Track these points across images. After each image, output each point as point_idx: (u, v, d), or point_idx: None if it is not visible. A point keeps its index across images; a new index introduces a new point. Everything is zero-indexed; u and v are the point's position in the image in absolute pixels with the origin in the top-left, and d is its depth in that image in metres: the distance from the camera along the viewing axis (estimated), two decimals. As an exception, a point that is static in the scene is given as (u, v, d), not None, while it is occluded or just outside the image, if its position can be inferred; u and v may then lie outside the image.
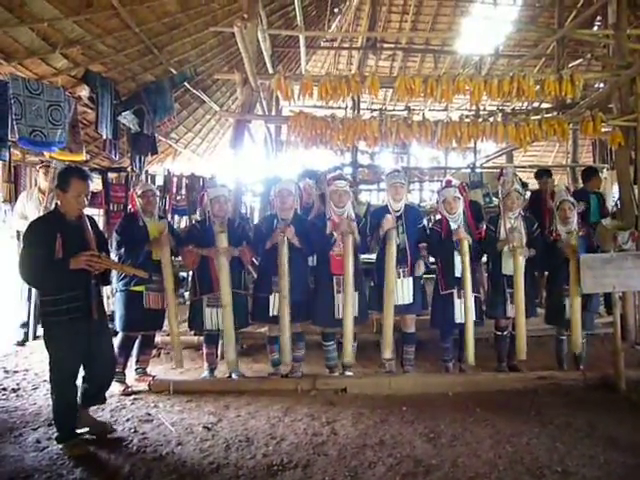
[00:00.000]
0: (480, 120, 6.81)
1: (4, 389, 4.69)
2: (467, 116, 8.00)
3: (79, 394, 3.75)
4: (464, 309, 4.72)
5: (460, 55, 14.25)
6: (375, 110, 12.48)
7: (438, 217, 5.30)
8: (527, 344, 4.74)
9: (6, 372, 5.13)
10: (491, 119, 6.86)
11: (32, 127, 5.95)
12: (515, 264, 4.72)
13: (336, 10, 13.44)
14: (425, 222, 5.47)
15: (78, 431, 3.69)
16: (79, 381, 3.76)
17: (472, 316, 4.72)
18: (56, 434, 3.62)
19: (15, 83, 5.81)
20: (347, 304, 4.51)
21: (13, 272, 6.33)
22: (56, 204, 3.69)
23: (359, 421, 4.02)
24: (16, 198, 6.67)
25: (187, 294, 7.59)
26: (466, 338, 4.71)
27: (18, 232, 6.21)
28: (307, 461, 3.41)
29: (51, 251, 3.39)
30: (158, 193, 5.13)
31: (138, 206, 4.79)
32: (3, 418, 4.08)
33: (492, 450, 3.55)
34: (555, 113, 7.63)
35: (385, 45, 14.25)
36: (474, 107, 10.88)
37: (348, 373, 4.91)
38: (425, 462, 3.39)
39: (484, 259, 5.41)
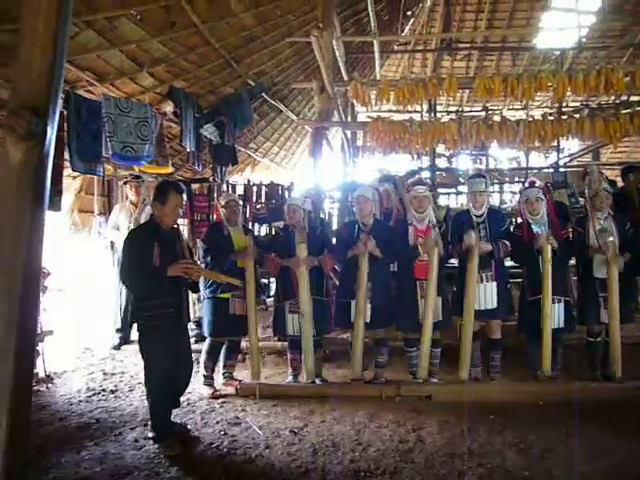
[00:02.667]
0: (565, 117, 6.54)
1: (103, 390, 4.97)
2: (550, 114, 7.70)
3: None
4: (544, 317, 4.53)
5: (540, 51, 13.75)
6: (452, 112, 12.28)
7: (519, 220, 5.12)
8: (624, 352, 4.48)
9: (105, 374, 5.43)
10: (577, 115, 6.58)
11: (123, 143, 6.28)
12: (610, 275, 4.48)
13: (409, 13, 13.35)
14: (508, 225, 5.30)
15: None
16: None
17: (552, 325, 4.54)
18: (152, 434, 3.79)
19: (107, 103, 6.16)
20: (427, 316, 4.45)
21: (107, 280, 6.76)
22: (152, 215, 3.90)
23: (446, 429, 3.95)
24: (109, 211, 7.09)
25: (269, 300, 7.77)
26: (544, 347, 4.53)
27: (112, 242, 6.58)
28: (394, 468, 3.39)
29: (149, 259, 3.59)
30: (241, 203, 5.28)
31: (222, 216, 4.95)
32: (104, 417, 4.32)
33: (589, 464, 3.38)
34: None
35: (460, 45, 13.99)
36: (556, 104, 10.45)
37: (433, 380, 4.83)
38: (517, 474, 3.28)
39: (573, 261, 5.17)
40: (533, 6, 13.71)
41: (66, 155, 5.59)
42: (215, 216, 5.15)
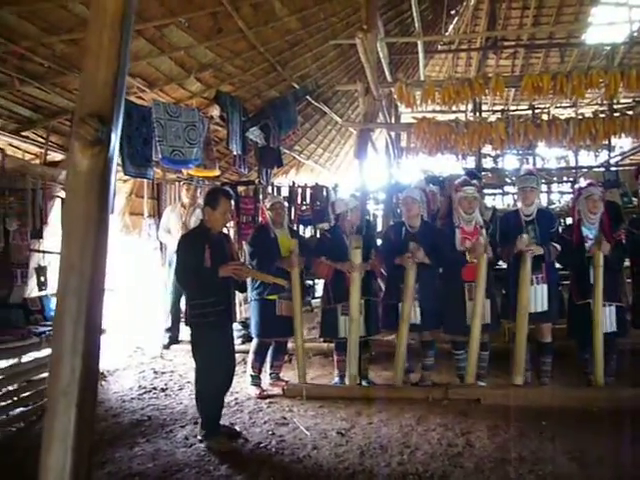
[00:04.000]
0: (617, 115, 6.35)
1: (154, 388, 5.11)
2: (602, 111, 7.48)
3: None
4: (595, 325, 4.41)
5: (589, 46, 13.36)
6: (497, 111, 12.08)
7: (569, 221, 5.00)
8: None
9: (155, 373, 5.58)
10: (630, 112, 6.37)
11: (172, 147, 6.44)
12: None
13: (453, 12, 13.18)
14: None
15: None
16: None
17: (604, 329, 4.41)
18: (203, 431, 3.88)
19: (157, 108, 6.33)
20: (475, 319, 4.40)
21: (157, 280, 6.94)
22: (202, 219, 4.06)
23: (495, 434, 3.89)
24: (158, 213, 7.28)
25: (315, 301, 7.82)
26: (596, 355, 4.43)
27: (162, 244, 6.75)
28: (443, 472, 3.36)
29: (201, 260, 3.75)
30: (286, 204, 5.33)
31: (268, 218, 5.01)
32: (155, 415, 4.44)
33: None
34: None
35: (505, 43, 13.72)
36: (606, 101, 10.13)
37: (481, 383, 4.77)
38: (571, 481, 3.21)
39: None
40: (582, 1, 13.33)
41: (118, 160, 5.78)
42: (261, 218, 5.21)
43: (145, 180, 6.79)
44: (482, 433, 3.91)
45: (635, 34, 11.87)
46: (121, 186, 6.96)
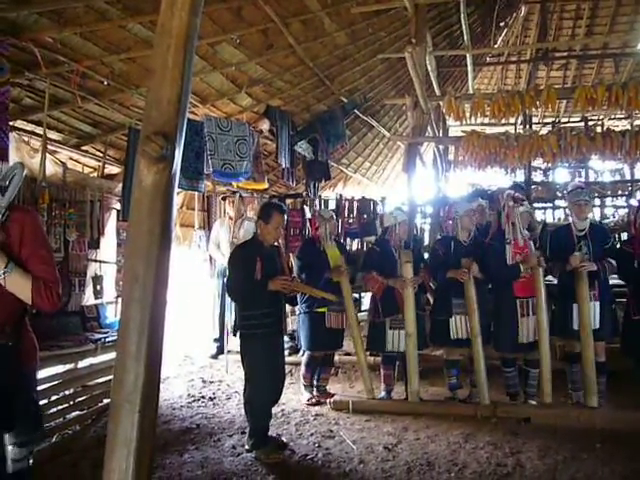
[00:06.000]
0: (677, 127, 6.14)
1: (203, 397, 5.20)
2: (659, 123, 7.25)
3: None
4: None
5: (645, 57, 12.97)
6: (547, 124, 11.83)
7: (624, 236, 4.85)
8: None
9: (203, 382, 5.69)
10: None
11: (223, 160, 6.59)
12: None
13: (502, 24, 13.04)
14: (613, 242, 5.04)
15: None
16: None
17: None
18: (251, 441, 3.91)
19: (209, 123, 6.50)
20: (542, 336, 4.32)
21: (206, 291, 7.08)
22: (255, 232, 4.14)
23: (547, 455, 3.79)
24: (209, 225, 7.44)
25: (360, 315, 7.80)
26: None
27: (210, 257, 6.89)
28: (493, 492, 3.30)
29: (252, 272, 3.81)
30: (334, 217, 5.37)
31: (321, 231, 5.03)
32: (204, 423, 4.52)
33: None
34: None
35: (557, 54, 13.45)
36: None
37: (531, 402, 4.66)
38: (627, 506, 3.10)
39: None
40: (637, 9, 12.95)
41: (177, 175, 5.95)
42: (312, 231, 5.24)
43: (196, 193, 6.96)
44: (532, 453, 3.81)
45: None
46: (173, 198, 7.16)
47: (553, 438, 4.05)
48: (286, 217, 7.42)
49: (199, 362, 6.42)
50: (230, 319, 6.43)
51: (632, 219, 4.84)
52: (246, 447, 3.95)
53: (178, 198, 7.34)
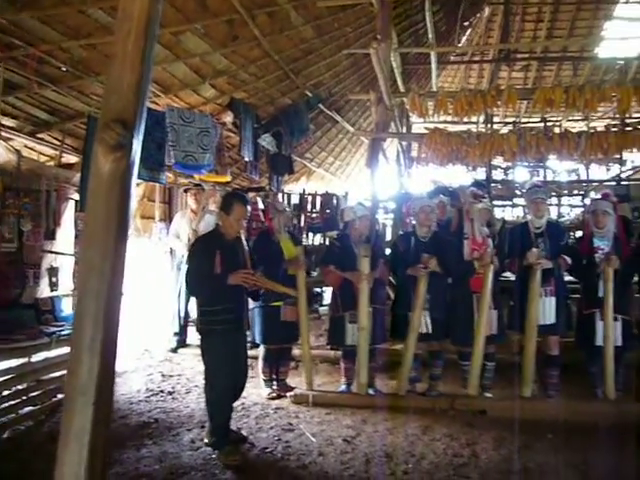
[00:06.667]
0: (629, 129, 6.36)
1: (162, 391, 5.13)
2: (614, 125, 7.49)
3: None
4: (605, 336, 4.42)
5: (602, 61, 13.37)
6: (508, 124, 12.08)
7: (579, 234, 5.01)
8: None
9: (163, 376, 5.60)
10: (642, 128, 6.39)
11: (185, 152, 6.50)
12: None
13: (466, 23, 13.23)
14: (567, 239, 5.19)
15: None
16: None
17: (613, 343, 4.41)
18: (212, 439, 3.83)
19: (171, 113, 6.40)
20: (479, 330, 4.41)
21: (166, 284, 6.98)
22: (217, 224, 4.03)
23: (501, 445, 3.89)
24: (169, 217, 7.34)
25: (321, 309, 7.83)
26: (606, 369, 4.43)
27: (171, 248, 6.80)
28: (448, 482, 3.37)
29: (211, 266, 3.69)
30: (287, 209, 5.33)
31: (274, 224, 5.02)
32: (162, 418, 4.46)
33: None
34: None
35: (519, 56, 13.74)
36: (618, 115, 10.12)
37: (487, 395, 4.77)
38: (576, 494, 3.21)
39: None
40: (595, 15, 13.34)
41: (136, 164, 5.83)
42: (266, 223, 5.19)
43: (157, 184, 6.85)
44: (488, 444, 3.91)
45: (648, 49, 11.86)
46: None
47: (508, 429, 4.14)
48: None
49: (158, 356, 6.32)
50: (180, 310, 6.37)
51: (583, 218, 5.01)
52: (205, 441, 3.90)
53: (139, 189, 7.21)
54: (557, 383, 4.75)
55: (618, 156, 9.38)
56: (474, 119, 10.39)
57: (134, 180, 1.93)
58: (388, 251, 5.39)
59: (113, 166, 1.78)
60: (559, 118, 12.38)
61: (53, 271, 5.37)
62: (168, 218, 7.40)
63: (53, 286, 5.33)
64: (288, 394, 4.90)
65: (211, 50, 6.57)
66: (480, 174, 10.09)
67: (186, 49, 6.30)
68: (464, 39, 14.08)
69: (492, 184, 10.19)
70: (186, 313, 6.46)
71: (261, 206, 4.86)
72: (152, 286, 7.35)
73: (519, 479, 3.41)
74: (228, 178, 7.66)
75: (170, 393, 5.11)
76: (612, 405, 4.50)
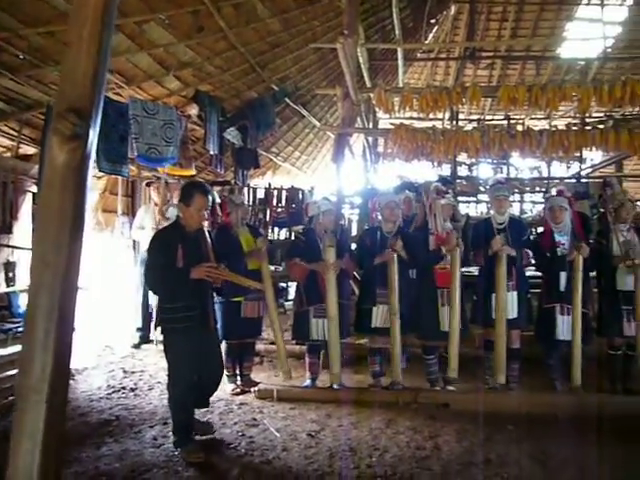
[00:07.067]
0: (589, 128, 6.52)
1: (123, 388, 5.03)
2: (574, 124, 7.67)
3: None
4: (573, 328, 4.52)
5: (564, 61, 13.68)
6: (473, 121, 12.26)
7: (540, 229, 5.12)
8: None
9: (125, 372, 5.50)
10: (601, 126, 6.55)
11: (148, 144, 6.39)
12: (638, 290, 4.46)
13: (433, 21, 13.35)
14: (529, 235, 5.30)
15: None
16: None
17: (579, 334, 4.53)
18: (174, 438, 3.74)
19: (134, 105, 6.28)
20: (453, 319, 4.47)
21: (129, 279, 6.86)
22: (178, 217, 3.86)
23: (463, 437, 3.94)
24: (132, 211, 7.21)
25: (287, 304, 7.81)
26: (573, 359, 4.53)
27: (135, 242, 6.68)
28: (411, 475, 3.38)
29: (172, 260, 3.54)
30: (245, 202, 5.25)
31: (232, 218, 4.94)
32: (124, 415, 4.37)
33: (606, 477, 3.36)
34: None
35: (483, 54, 13.95)
36: (579, 114, 10.38)
37: (450, 388, 4.83)
38: (535, 484, 3.28)
39: (593, 273, 5.14)
40: (558, 16, 13.64)
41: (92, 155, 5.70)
42: (223, 217, 5.07)
43: (120, 177, 6.71)
44: (450, 437, 3.95)
45: (608, 50, 12.21)
46: (95, 182, 6.88)
47: (469, 421, 4.20)
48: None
49: (121, 352, 6.20)
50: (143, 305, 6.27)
51: (543, 215, 5.13)
52: (171, 440, 3.80)
53: (100, 182, 7.06)
54: (518, 376, 4.84)
55: (578, 154, 9.64)
56: (439, 115, 10.52)
57: (91, 172, 1.88)
58: (354, 246, 5.40)
59: (68, 157, 1.72)
60: (522, 116, 12.62)
61: (10, 266, 5.21)
62: (131, 212, 7.26)
63: (9, 281, 5.18)
64: (252, 389, 4.86)
65: (176, 41, 6.47)
66: (445, 170, 10.22)
67: (150, 39, 6.19)
68: (431, 36, 14.21)
69: (457, 180, 10.33)
70: (150, 308, 6.35)
71: (218, 200, 4.73)
72: (114, 281, 7.22)
73: (480, 470, 3.45)
74: (193, 172, 7.56)
75: (132, 390, 5.01)
76: (571, 397, 4.61)
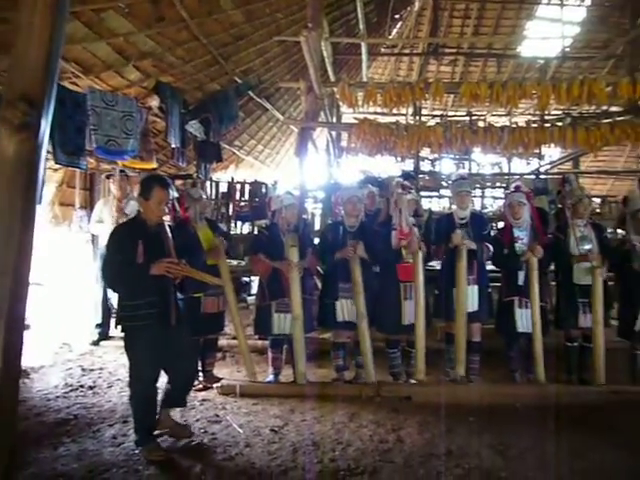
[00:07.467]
0: (548, 125, 6.66)
1: (82, 386, 4.91)
2: (534, 121, 7.82)
3: (162, 395, 3.79)
4: (532, 322, 4.62)
5: (524, 59, 13.94)
6: (436, 116, 12.37)
7: (501, 225, 5.21)
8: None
9: (83, 370, 5.36)
10: (559, 124, 6.70)
11: (107, 137, 6.23)
12: (595, 284, 4.59)
13: (397, 16, 13.43)
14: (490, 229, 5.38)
15: (156, 432, 3.74)
16: (163, 384, 3.80)
17: (539, 328, 4.63)
18: (135, 437, 3.65)
19: (93, 95, 6.11)
20: (419, 318, 4.51)
21: (87, 274, 6.69)
22: (138, 211, 3.76)
23: (425, 430, 3.99)
24: (91, 205, 7.02)
25: (250, 298, 7.76)
26: (535, 352, 4.63)
27: (93, 236, 6.51)
28: (374, 468, 3.40)
29: (132, 256, 3.44)
30: (203, 196, 5.16)
31: (190, 213, 4.84)
32: (82, 414, 4.26)
33: (564, 465, 3.44)
34: (627, 117, 7.34)
35: (446, 50, 14.11)
36: (538, 112, 10.60)
37: (412, 381, 4.88)
38: (494, 474, 3.33)
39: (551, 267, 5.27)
40: (519, 14, 13.91)
41: (49, 147, 5.52)
42: (181, 212, 4.94)
43: (78, 170, 6.53)
44: (412, 429, 3.99)
45: (567, 50, 12.50)
46: (51, 175, 6.67)
47: (431, 414, 4.26)
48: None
49: (79, 350, 6.04)
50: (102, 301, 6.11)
51: (502, 211, 5.22)
52: (134, 442, 3.69)
53: (57, 175, 6.86)
54: (478, 368, 4.92)
55: (537, 151, 9.85)
56: (403, 111, 10.58)
57: (44, 163, 1.80)
58: (317, 240, 5.39)
59: (18, 148, 1.65)
60: (484, 112, 12.82)
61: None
62: (90, 205, 7.08)
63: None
64: (215, 385, 4.81)
65: (135, 30, 6.32)
66: (408, 165, 10.30)
67: (109, 28, 6.02)
68: (394, 32, 14.30)
69: (420, 175, 10.42)
70: (109, 304, 6.21)
71: (175, 194, 4.61)
72: (72, 276, 7.03)
73: (441, 462, 3.49)
74: (154, 165, 7.41)
75: (91, 388, 4.89)
76: (530, 388, 4.73)
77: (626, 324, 4.89)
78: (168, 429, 3.83)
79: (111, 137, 6.28)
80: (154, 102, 7.39)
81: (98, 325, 6.26)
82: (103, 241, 6.06)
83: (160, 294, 3.57)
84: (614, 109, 9.57)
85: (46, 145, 1.79)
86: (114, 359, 5.66)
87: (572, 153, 9.85)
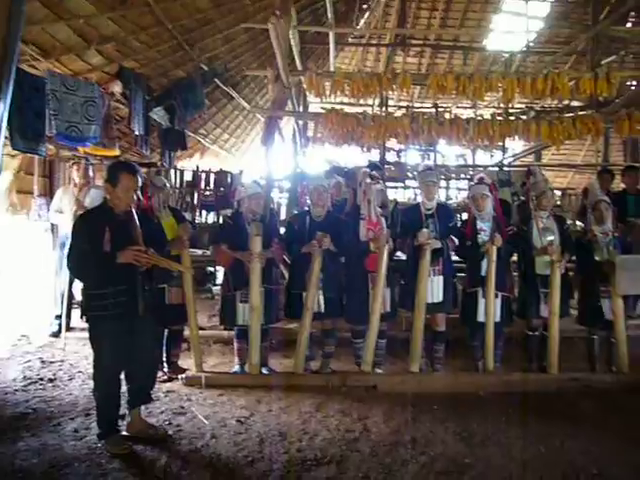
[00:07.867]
0: (512, 118, 6.76)
1: (41, 379, 4.78)
2: (499, 114, 7.93)
3: (126, 397, 3.71)
4: (486, 312, 4.70)
5: (489, 52, 14.12)
6: (402, 107, 12.45)
7: (465, 216, 5.27)
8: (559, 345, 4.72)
9: (42, 362, 5.22)
10: (524, 117, 6.82)
11: (68, 122, 6.05)
12: (552, 277, 4.67)
13: (365, 6, 13.41)
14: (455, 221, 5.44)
15: (127, 434, 3.66)
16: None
17: (493, 319, 4.70)
18: (98, 430, 3.59)
19: (52, 79, 5.91)
20: (375, 310, 4.53)
21: (46, 264, 6.51)
22: (105, 198, 3.64)
23: (390, 418, 4.03)
24: (50, 192, 6.82)
25: (215, 289, 7.69)
26: (487, 343, 4.72)
27: (53, 225, 6.33)
28: (340, 457, 3.43)
29: (99, 244, 3.36)
30: (167, 185, 5.07)
31: (154, 202, 4.75)
32: (42, 407, 4.16)
33: (525, 451, 3.54)
34: (589, 111, 7.52)
35: (413, 42, 14.18)
36: (502, 104, 10.77)
37: (378, 371, 4.91)
38: (458, 461, 3.39)
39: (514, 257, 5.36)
40: (485, 8, 14.07)
41: (5, 132, 5.32)
42: (144, 201, 4.81)
43: (36, 156, 6.32)
44: (378, 418, 4.02)
45: (531, 44, 12.71)
46: (9, 161, 6.44)
47: (397, 403, 4.30)
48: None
49: (38, 341, 5.88)
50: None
51: (466, 203, 5.28)
52: (97, 435, 3.60)
53: (14, 161, 6.62)
54: (442, 357, 4.99)
55: (501, 143, 10.01)
56: (370, 101, 10.60)
57: (0, 149, 1.72)
58: (283, 230, 5.36)
59: (-27, 132, 1.58)
60: (450, 104, 12.95)
61: None
62: (49, 193, 6.86)
63: None
64: (180, 376, 4.75)
65: (97, 13, 6.13)
66: (374, 155, 10.33)
67: (69, 9, 5.83)
68: (362, 22, 14.27)
69: (385, 166, 10.47)
70: (70, 294, 6.05)
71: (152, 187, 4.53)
72: (31, 266, 6.84)
73: (407, 450, 3.54)
74: (116, 152, 7.24)
75: (51, 380, 4.77)
76: (494, 376, 4.80)
77: (586, 312, 5.03)
78: (139, 431, 3.69)
79: (72, 123, 6.09)
80: (117, 88, 7.21)
81: (58, 316, 6.09)
82: (63, 230, 5.90)
83: (127, 283, 3.49)
84: (575, 104, 9.82)
85: (4, 130, 1.71)
86: (75, 351, 5.52)
87: (535, 146, 10.03)
